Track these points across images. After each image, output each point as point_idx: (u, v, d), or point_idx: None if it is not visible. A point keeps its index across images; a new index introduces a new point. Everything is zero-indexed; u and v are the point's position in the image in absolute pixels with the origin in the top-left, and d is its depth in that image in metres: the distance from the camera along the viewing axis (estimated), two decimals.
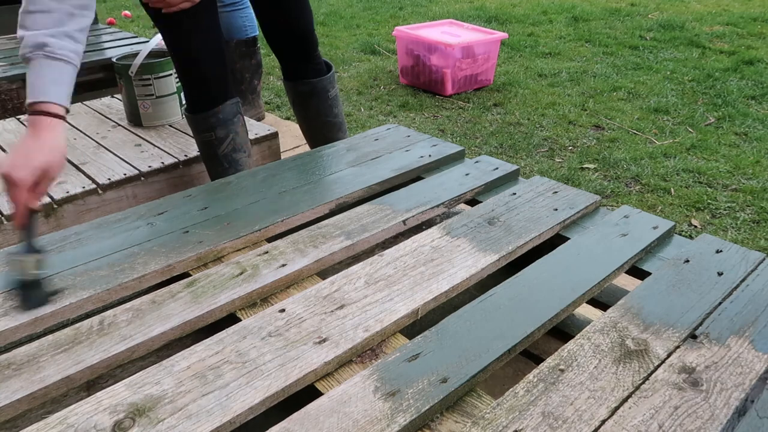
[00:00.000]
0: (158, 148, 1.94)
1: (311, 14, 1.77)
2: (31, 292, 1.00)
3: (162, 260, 1.13)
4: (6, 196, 1.03)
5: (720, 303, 1.00)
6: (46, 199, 1.62)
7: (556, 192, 1.36)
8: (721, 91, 3.25)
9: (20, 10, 1.11)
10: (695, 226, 2.06)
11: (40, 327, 0.99)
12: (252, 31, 2.68)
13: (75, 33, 1.13)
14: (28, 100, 1.08)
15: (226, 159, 1.67)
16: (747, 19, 4.69)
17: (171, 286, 1.06)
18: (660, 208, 2.18)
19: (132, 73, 2.01)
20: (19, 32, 1.12)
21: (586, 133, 2.84)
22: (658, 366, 0.87)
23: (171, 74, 2.08)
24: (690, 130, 2.82)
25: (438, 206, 1.33)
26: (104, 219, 1.29)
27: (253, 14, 2.62)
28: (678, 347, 0.90)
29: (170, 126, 2.11)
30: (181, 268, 1.14)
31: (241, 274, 1.09)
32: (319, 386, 0.87)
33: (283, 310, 0.99)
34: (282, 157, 2.03)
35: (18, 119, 2.18)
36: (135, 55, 2.05)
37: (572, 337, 0.94)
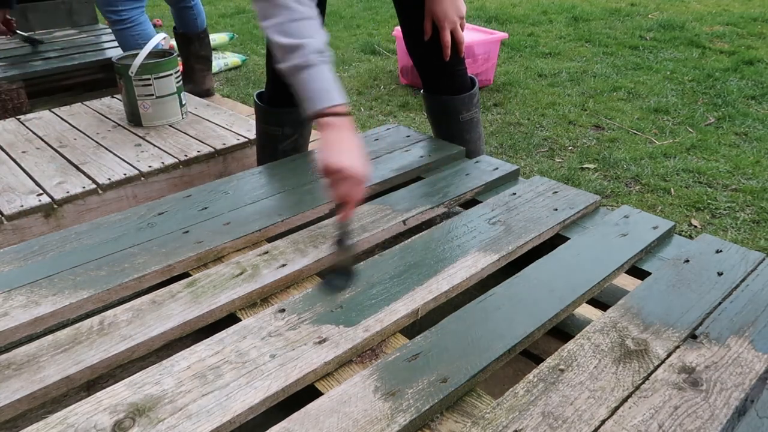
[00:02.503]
0: (158, 148, 1.94)
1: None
2: (340, 279, 1.08)
3: (162, 260, 1.13)
4: (339, 192, 1.08)
5: (720, 303, 1.00)
6: (46, 199, 1.62)
7: (556, 192, 1.36)
8: (721, 91, 3.24)
9: (273, 21, 1.10)
10: (695, 226, 2.06)
11: (40, 327, 0.99)
12: (202, 24, 3.01)
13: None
14: (322, 105, 1.09)
15: (283, 154, 1.68)
16: (747, 19, 4.69)
17: (171, 286, 1.06)
18: (660, 208, 2.18)
19: (132, 73, 2.01)
20: (284, 40, 1.10)
21: (586, 133, 2.84)
22: (658, 366, 0.87)
23: (171, 74, 2.08)
24: (690, 130, 2.82)
25: (438, 206, 1.33)
26: (104, 219, 1.29)
27: (202, 9, 2.97)
28: (678, 347, 0.90)
29: (170, 126, 2.11)
30: (181, 268, 1.14)
31: (241, 274, 1.09)
32: (319, 386, 0.87)
33: (283, 310, 0.99)
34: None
35: (18, 119, 2.18)
36: (135, 55, 2.05)
37: (572, 337, 0.94)
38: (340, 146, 1.07)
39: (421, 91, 1.74)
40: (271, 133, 1.68)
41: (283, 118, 1.64)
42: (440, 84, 1.65)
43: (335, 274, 1.09)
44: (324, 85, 1.10)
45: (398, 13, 1.65)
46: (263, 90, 1.69)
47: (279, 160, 1.59)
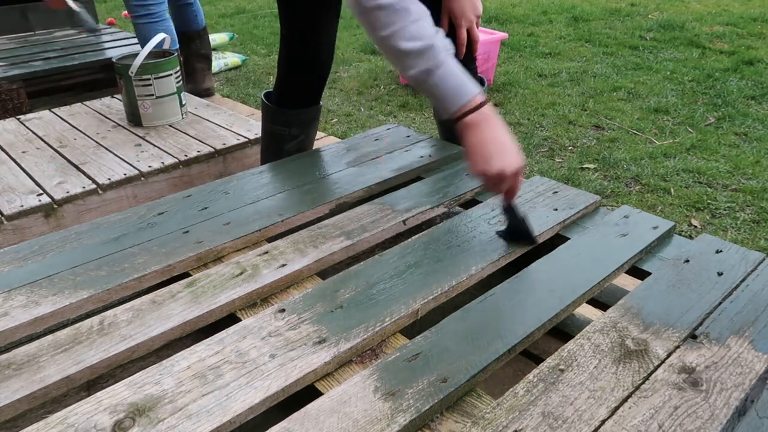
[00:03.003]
0: (158, 148, 1.94)
1: None
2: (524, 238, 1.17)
3: (162, 260, 1.13)
4: (500, 190, 1.09)
5: (720, 303, 1.00)
6: (46, 199, 1.62)
7: (556, 192, 1.36)
8: (721, 91, 3.25)
9: (394, 29, 1.03)
10: (695, 226, 2.06)
11: (40, 327, 0.99)
12: (201, 22, 3.02)
13: None
14: (461, 103, 1.04)
15: (287, 155, 1.68)
16: (747, 19, 4.69)
17: (171, 286, 1.06)
18: (660, 208, 2.18)
19: (132, 73, 2.01)
20: (410, 45, 1.03)
21: (586, 133, 2.84)
22: (658, 366, 0.87)
23: (171, 74, 2.08)
24: (690, 130, 2.82)
25: (438, 206, 1.33)
26: (104, 219, 1.29)
27: (201, 7, 2.98)
28: (678, 347, 0.90)
29: (170, 126, 2.11)
30: (181, 268, 1.14)
31: (241, 274, 1.09)
32: (319, 386, 0.87)
33: (283, 310, 0.99)
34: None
35: (18, 119, 2.18)
36: (135, 55, 2.05)
37: (572, 337, 0.94)
38: (488, 147, 1.04)
39: None
40: (277, 132, 1.68)
41: (290, 119, 1.65)
42: None
43: (514, 236, 1.17)
44: (457, 81, 1.04)
45: None
46: (271, 90, 1.69)
47: (280, 159, 1.59)
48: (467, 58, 1.59)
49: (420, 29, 1.03)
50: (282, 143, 1.68)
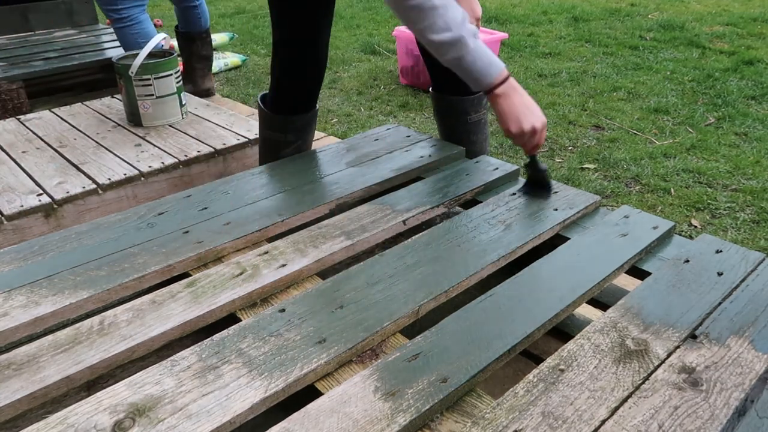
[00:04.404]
0: (158, 148, 1.94)
1: None
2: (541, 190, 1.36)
3: (162, 260, 1.13)
4: (530, 145, 1.27)
5: (720, 303, 1.00)
6: (46, 199, 1.62)
7: (556, 192, 1.36)
8: (721, 91, 3.24)
9: (426, 23, 1.17)
10: (695, 226, 2.06)
11: (40, 327, 0.99)
12: (205, 24, 3.03)
13: None
14: (490, 80, 1.22)
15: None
16: (747, 19, 4.69)
17: (171, 286, 1.06)
18: (660, 208, 2.18)
19: (132, 73, 2.01)
20: (441, 37, 1.18)
21: (586, 133, 2.84)
22: (658, 366, 0.87)
23: (171, 74, 2.08)
24: (690, 130, 2.82)
25: (438, 206, 1.33)
26: (104, 219, 1.29)
27: (206, 8, 2.99)
28: (678, 347, 0.90)
29: (170, 126, 2.11)
30: (181, 268, 1.14)
31: (241, 274, 1.09)
32: (319, 386, 0.87)
33: (283, 310, 0.99)
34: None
35: (18, 119, 2.18)
36: (135, 55, 2.05)
37: (572, 337, 0.94)
38: (516, 111, 1.23)
39: (429, 89, 1.73)
40: (273, 138, 1.67)
41: (287, 125, 1.63)
42: (450, 83, 1.64)
43: (534, 187, 1.36)
44: (485, 61, 1.21)
45: None
46: (266, 92, 1.68)
47: (280, 160, 1.59)
48: None
49: (447, 22, 1.17)
50: (279, 149, 1.66)
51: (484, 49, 1.21)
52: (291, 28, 1.53)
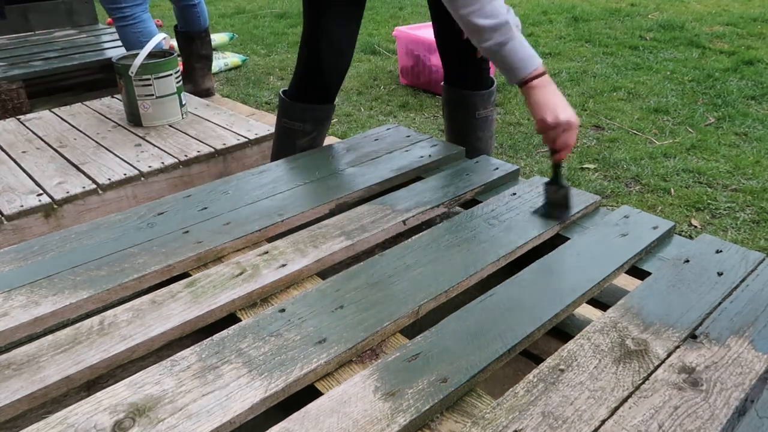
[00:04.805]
0: (158, 148, 1.94)
1: None
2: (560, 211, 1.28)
3: (162, 260, 1.13)
4: (559, 142, 1.23)
5: (720, 303, 1.00)
6: (46, 199, 1.62)
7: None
8: (721, 91, 3.24)
9: (474, 7, 1.20)
10: (695, 226, 2.06)
11: (40, 327, 0.99)
12: (205, 23, 3.03)
13: None
14: (527, 71, 1.23)
15: (300, 150, 1.69)
16: (747, 19, 4.69)
17: (171, 286, 1.06)
18: (660, 208, 2.18)
19: (132, 73, 2.01)
20: (487, 22, 1.20)
21: (586, 133, 2.84)
22: (658, 366, 0.87)
23: (171, 74, 2.08)
24: (690, 130, 2.82)
25: (438, 206, 1.33)
26: (104, 219, 1.29)
27: (205, 7, 2.98)
28: (678, 347, 0.90)
29: (170, 126, 2.11)
30: (181, 268, 1.14)
31: (241, 274, 1.09)
32: (319, 386, 0.87)
33: (283, 310, 0.99)
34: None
35: (18, 119, 2.18)
36: (135, 55, 2.05)
37: (572, 337, 0.94)
38: (553, 102, 1.22)
39: (442, 83, 1.76)
40: (291, 127, 1.68)
41: (306, 114, 1.65)
42: (465, 77, 1.69)
43: (554, 208, 1.27)
44: (525, 53, 1.23)
45: (430, 6, 1.66)
46: (286, 89, 1.70)
47: (281, 159, 1.59)
48: (483, 58, 1.62)
49: (494, 9, 1.20)
50: (295, 139, 1.68)
51: (525, 43, 1.23)
52: (321, 18, 1.55)
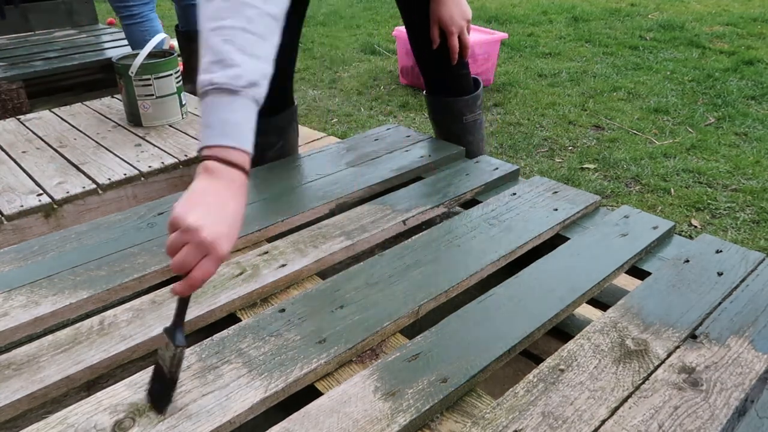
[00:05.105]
0: (158, 148, 1.93)
1: None
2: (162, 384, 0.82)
3: (162, 260, 1.13)
4: (179, 257, 0.79)
5: (720, 303, 1.00)
6: (46, 199, 1.62)
7: (556, 192, 1.36)
8: (721, 91, 3.25)
9: (223, 24, 0.84)
10: (695, 226, 2.06)
11: (40, 327, 0.99)
12: None
13: None
14: (215, 141, 0.85)
15: (270, 161, 1.65)
16: (747, 19, 4.69)
17: (171, 286, 1.06)
18: (660, 208, 2.18)
19: (132, 73, 2.01)
20: (221, 49, 0.84)
21: (586, 133, 2.84)
22: (658, 366, 0.87)
23: (171, 74, 2.08)
24: (690, 130, 2.82)
25: (438, 206, 1.33)
26: (104, 219, 1.29)
27: None
28: (678, 347, 0.90)
29: (170, 126, 2.11)
30: None
31: (241, 274, 1.09)
32: (319, 386, 0.87)
33: (283, 310, 0.99)
34: None
35: (18, 119, 2.18)
36: (135, 55, 2.05)
37: (572, 337, 0.94)
38: (204, 199, 0.79)
39: (424, 92, 1.73)
40: (256, 143, 1.64)
41: (266, 127, 1.61)
42: (444, 86, 1.64)
43: (155, 379, 0.83)
44: (236, 116, 0.86)
45: (402, 15, 1.63)
46: None
47: (281, 159, 1.59)
48: (459, 63, 1.59)
49: (247, 43, 0.85)
50: (262, 152, 1.64)
51: (246, 114, 0.88)
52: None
